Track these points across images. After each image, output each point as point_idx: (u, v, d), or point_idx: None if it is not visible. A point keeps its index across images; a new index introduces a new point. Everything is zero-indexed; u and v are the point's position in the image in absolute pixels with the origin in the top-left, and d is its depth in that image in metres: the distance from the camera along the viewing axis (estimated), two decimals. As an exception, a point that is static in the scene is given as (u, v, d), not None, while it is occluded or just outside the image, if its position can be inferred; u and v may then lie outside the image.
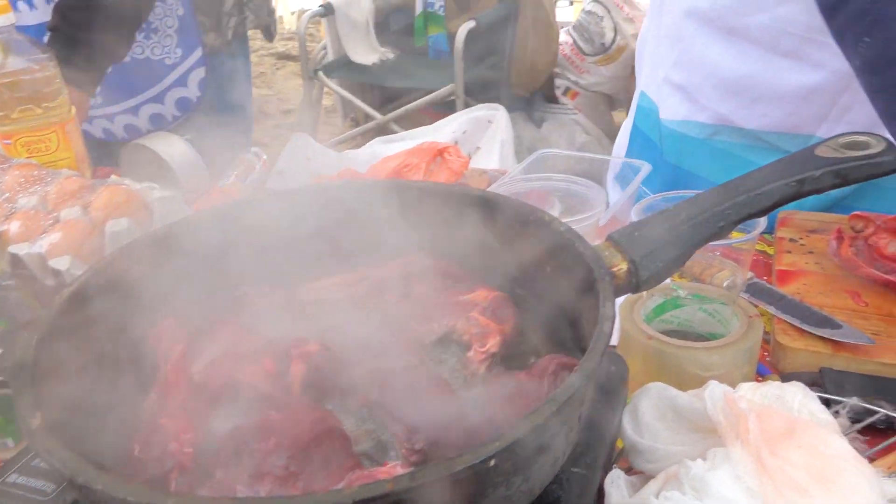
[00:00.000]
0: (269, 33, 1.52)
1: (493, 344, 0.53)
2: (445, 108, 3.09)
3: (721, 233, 0.52)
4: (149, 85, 1.36)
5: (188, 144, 1.05)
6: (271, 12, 1.53)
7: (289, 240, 0.62)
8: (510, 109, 3.16)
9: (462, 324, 0.55)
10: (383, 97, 3.55)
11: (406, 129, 3.14)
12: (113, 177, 0.95)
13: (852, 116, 0.94)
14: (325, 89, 3.49)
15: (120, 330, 0.53)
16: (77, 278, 0.51)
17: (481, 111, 1.53)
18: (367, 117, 3.32)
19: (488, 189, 0.86)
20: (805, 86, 0.95)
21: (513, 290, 0.58)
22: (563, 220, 0.79)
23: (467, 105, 3.00)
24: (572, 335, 0.53)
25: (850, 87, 0.91)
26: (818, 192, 0.53)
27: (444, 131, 1.43)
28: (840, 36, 0.75)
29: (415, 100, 3.16)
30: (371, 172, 0.94)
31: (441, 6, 3.19)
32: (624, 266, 0.51)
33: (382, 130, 3.31)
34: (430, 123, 3.33)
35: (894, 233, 0.83)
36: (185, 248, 0.58)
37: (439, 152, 0.95)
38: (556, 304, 0.54)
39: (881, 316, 0.76)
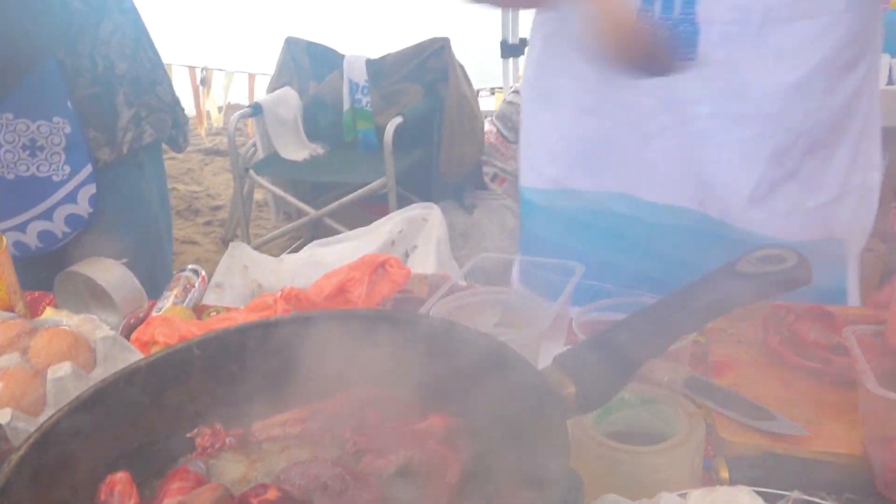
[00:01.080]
0: (176, 145, 1.48)
1: (452, 474, 0.54)
2: (378, 199, 3.14)
3: (660, 350, 0.55)
4: (35, 202, 1.34)
5: (125, 268, 1.04)
6: (180, 123, 1.48)
7: (239, 377, 0.63)
8: (442, 198, 3.25)
9: (419, 455, 0.56)
10: (315, 190, 3.59)
11: (340, 222, 3.18)
12: (49, 310, 0.93)
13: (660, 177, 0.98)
14: (257, 184, 3.50)
15: (72, 490, 0.51)
16: (25, 441, 0.50)
17: (416, 210, 1.57)
18: (301, 212, 3.34)
19: (431, 299, 0.88)
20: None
21: (465, 415, 0.60)
22: (507, 332, 0.82)
23: (399, 196, 3.06)
24: (527, 459, 0.55)
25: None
26: (742, 304, 0.57)
27: (380, 232, 1.46)
28: None
29: (347, 192, 3.21)
30: (314, 289, 0.95)
31: (368, 102, 3.28)
32: (572, 389, 0.53)
33: (316, 224, 3.33)
34: (364, 216, 3.37)
35: (814, 320, 0.88)
36: (133, 396, 0.57)
37: (380, 264, 0.97)
38: (509, 428, 0.56)
39: (811, 403, 0.80)
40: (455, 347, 0.60)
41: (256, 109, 3.28)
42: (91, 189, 1.33)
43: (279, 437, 0.60)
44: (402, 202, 3.16)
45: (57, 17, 1.20)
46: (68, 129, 1.28)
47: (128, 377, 0.57)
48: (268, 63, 3.70)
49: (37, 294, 1.18)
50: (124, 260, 1.06)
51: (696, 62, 0.85)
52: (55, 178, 1.31)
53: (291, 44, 3.45)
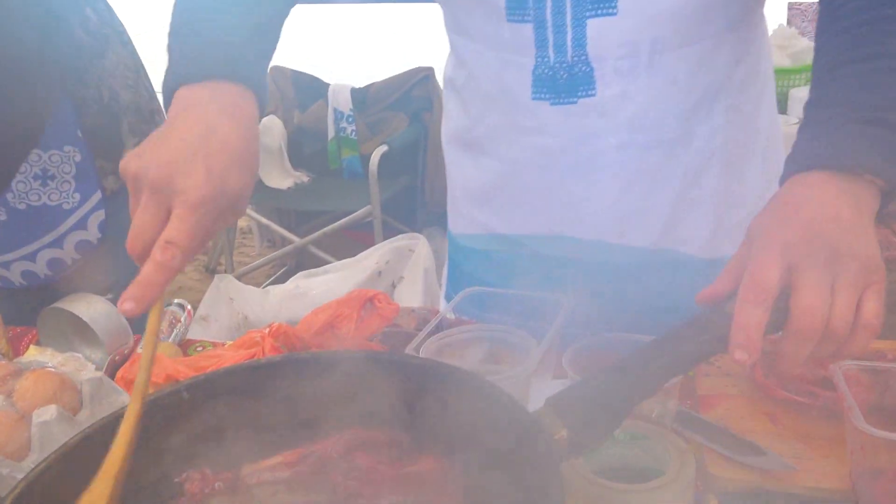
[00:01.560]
0: None
1: (444, 519, 0.54)
2: (364, 227, 3.15)
3: (652, 392, 0.55)
4: (46, 231, 1.33)
5: (110, 304, 1.03)
6: None
7: (227, 420, 0.62)
8: (427, 225, 3.26)
9: (411, 499, 0.55)
10: (300, 218, 3.58)
11: (325, 250, 3.17)
12: (32, 348, 0.92)
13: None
14: (241, 214, 3.49)
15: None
16: (11, 491, 0.49)
17: (402, 241, 1.57)
18: (285, 240, 3.33)
19: (420, 335, 0.88)
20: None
21: (457, 458, 0.59)
22: (497, 369, 0.82)
23: (384, 224, 3.06)
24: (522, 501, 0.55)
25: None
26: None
27: (366, 263, 1.46)
28: None
29: (332, 220, 3.21)
30: (303, 325, 0.95)
31: (353, 130, 3.29)
32: (564, 433, 0.53)
33: (301, 252, 3.32)
34: (350, 243, 3.36)
35: (800, 353, 0.89)
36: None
37: (369, 299, 0.97)
38: (502, 470, 0.56)
39: (799, 437, 0.80)
40: (446, 389, 0.60)
41: (243, 139, 3.28)
42: (100, 215, 1.34)
43: (269, 481, 0.60)
44: (388, 230, 3.17)
45: (68, 55, 1.21)
46: (79, 158, 1.29)
47: (114, 423, 0.56)
48: (252, 91, 3.70)
49: (19, 329, 1.17)
50: (109, 295, 1.05)
51: (596, 98, 0.88)
52: (65, 206, 1.31)
53: (276, 73, 3.47)
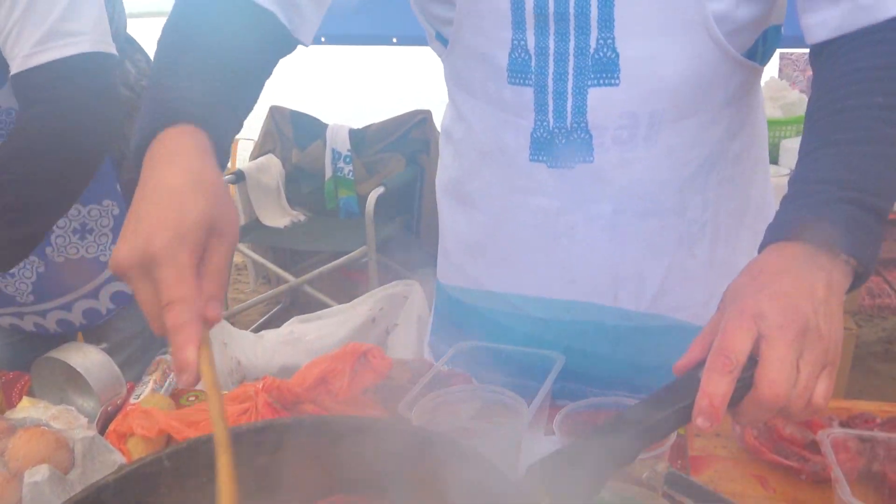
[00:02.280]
0: None
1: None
2: (359, 266, 3.16)
3: (633, 458, 0.56)
4: (83, 282, 1.35)
5: (104, 354, 1.03)
6: None
7: (209, 488, 0.62)
8: (422, 266, 3.27)
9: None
10: (295, 256, 3.60)
11: (319, 289, 3.18)
12: (26, 400, 0.92)
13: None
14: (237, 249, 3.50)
15: None
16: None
17: (397, 287, 1.58)
18: (280, 278, 3.34)
19: (412, 392, 0.89)
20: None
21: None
22: (487, 427, 0.82)
23: (379, 263, 3.07)
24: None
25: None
26: None
27: (360, 309, 1.47)
28: None
29: (328, 259, 3.22)
30: (296, 378, 0.95)
31: (350, 171, 3.32)
32: (546, 501, 0.54)
33: (296, 290, 3.32)
34: (344, 282, 3.36)
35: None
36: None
37: (362, 354, 0.97)
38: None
39: (788, 502, 0.81)
40: (430, 456, 0.61)
41: (239, 177, 3.31)
42: None
43: (259, 547, 0.59)
44: (383, 269, 3.18)
45: (111, 112, 1.22)
46: (117, 211, 1.30)
47: (95, 495, 0.56)
48: (251, 129, 3.75)
49: (12, 375, 1.17)
50: (104, 345, 1.06)
51: (594, 164, 0.89)
52: (102, 258, 1.32)
53: (276, 112, 3.51)
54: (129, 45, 1.34)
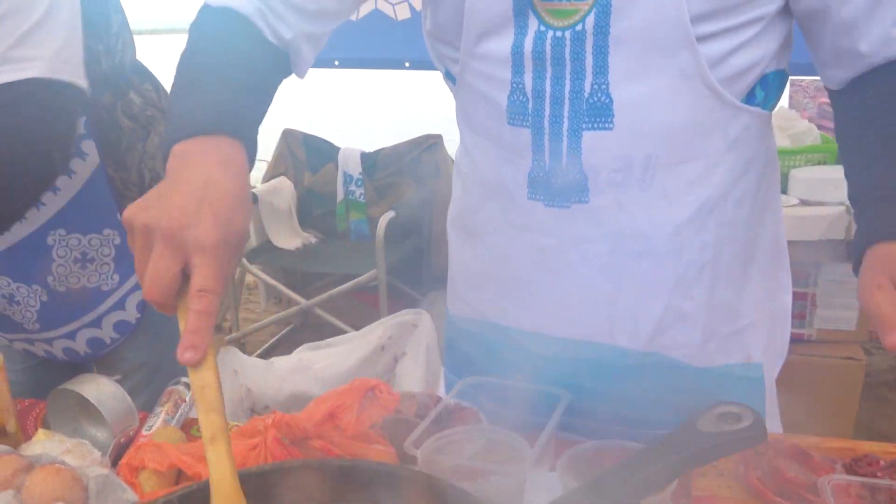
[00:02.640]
0: None
1: None
2: (370, 289, 3.18)
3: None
4: (85, 311, 1.35)
5: (117, 386, 1.05)
6: None
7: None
8: (432, 289, 3.29)
9: None
10: (306, 277, 3.62)
11: (330, 311, 3.20)
12: (41, 433, 0.94)
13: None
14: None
15: None
16: None
17: (406, 316, 1.59)
18: (291, 300, 3.36)
19: (418, 430, 0.90)
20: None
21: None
22: (493, 468, 0.84)
23: (390, 286, 3.09)
24: None
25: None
26: (701, 464, 0.60)
27: (370, 337, 1.48)
28: None
29: (338, 281, 3.24)
30: (305, 414, 0.96)
31: (362, 194, 3.35)
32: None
33: (306, 312, 3.35)
34: (355, 305, 3.38)
35: (793, 457, 0.90)
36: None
37: (370, 389, 0.99)
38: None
39: (791, 545, 0.81)
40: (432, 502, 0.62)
41: (252, 199, 3.34)
42: (139, 295, 1.34)
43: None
44: (393, 292, 3.20)
45: (109, 140, 1.23)
46: (118, 241, 1.30)
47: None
48: (264, 152, 3.79)
49: (27, 403, 1.19)
50: (117, 377, 1.08)
51: (589, 205, 0.90)
52: (104, 288, 1.32)
53: (288, 135, 3.55)
54: (136, 76, 1.33)
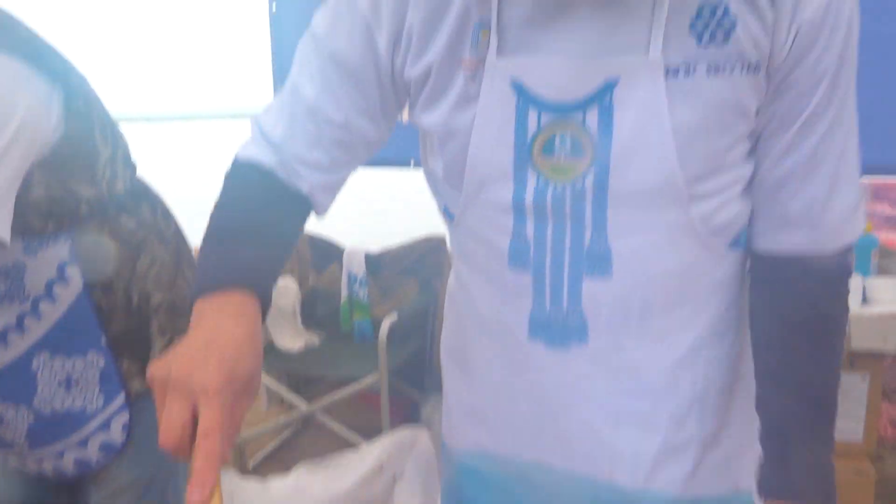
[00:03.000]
0: None
1: None
2: (373, 390, 3.15)
3: None
4: (70, 432, 1.34)
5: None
6: None
7: None
8: (434, 391, 3.26)
9: None
10: (309, 378, 3.60)
11: (332, 415, 3.16)
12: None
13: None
14: (251, 373, 3.51)
15: None
16: None
17: (406, 433, 1.58)
18: (292, 405, 3.33)
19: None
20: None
21: None
22: None
23: (392, 387, 3.07)
24: None
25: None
26: None
27: (369, 456, 1.47)
28: None
29: (341, 382, 3.21)
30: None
31: (366, 294, 3.37)
32: None
33: (308, 420, 3.31)
34: (357, 406, 3.34)
35: None
36: None
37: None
38: None
39: None
40: None
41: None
42: (124, 417, 1.33)
43: None
44: (394, 393, 3.17)
45: (93, 265, 1.24)
46: (102, 364, 1.30)
47: None
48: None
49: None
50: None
51: (588, 346, 0.93)
52: (89, 410, 1.32)
53: (294, 236, 3.59)
54: (131, 200, 1.34)
